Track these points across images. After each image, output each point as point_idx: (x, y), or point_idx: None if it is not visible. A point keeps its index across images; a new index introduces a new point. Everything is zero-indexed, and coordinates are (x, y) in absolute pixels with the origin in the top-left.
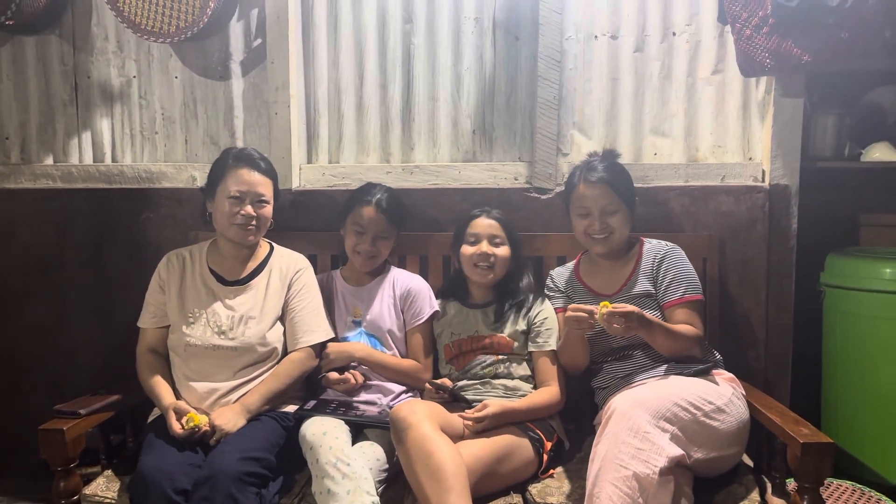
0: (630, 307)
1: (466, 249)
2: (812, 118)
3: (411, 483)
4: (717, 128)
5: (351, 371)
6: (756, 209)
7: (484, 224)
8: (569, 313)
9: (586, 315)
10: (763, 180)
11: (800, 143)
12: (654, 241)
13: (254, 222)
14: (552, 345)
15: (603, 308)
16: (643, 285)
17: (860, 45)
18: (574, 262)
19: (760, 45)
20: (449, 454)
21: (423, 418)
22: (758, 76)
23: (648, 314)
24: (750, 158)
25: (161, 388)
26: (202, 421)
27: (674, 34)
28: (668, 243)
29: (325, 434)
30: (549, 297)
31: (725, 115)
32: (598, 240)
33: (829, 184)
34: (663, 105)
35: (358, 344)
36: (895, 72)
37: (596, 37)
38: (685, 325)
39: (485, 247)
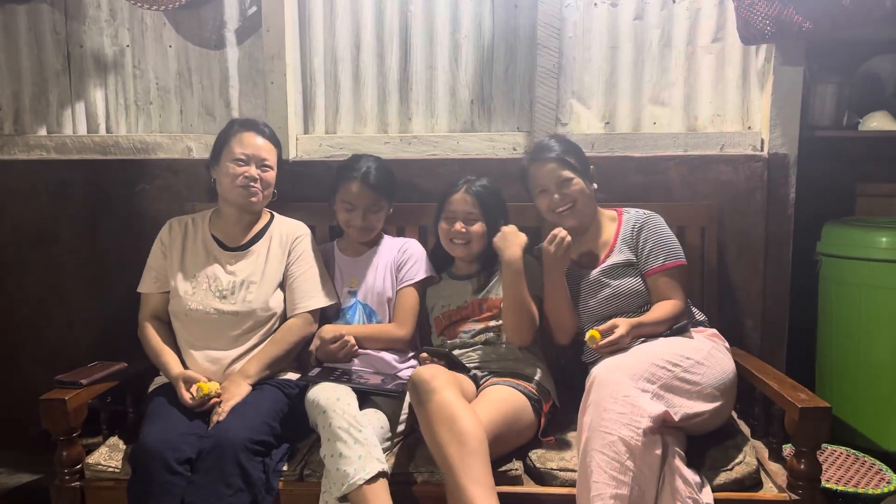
0: (616, 334)
1: (443, 226)
2: (811, 87)
3: (431, 445)
4: (716, 97)
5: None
6: (755, 178)
7: (459, 200)
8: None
9: None
10: (762, 149)
11: (799, 112)
12: (633, 210)
13: (258, 184)
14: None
15: (592, 343)
16: (624, 254)
17: (861, 13)
18: None
19: (761, 12)
20: (473, 421)
21: (446, 384)
22: (758, 44)
23: (631, 319)
24: (749, 127)
25: (168, 356)
26: (212, 388)
27: (673, 1)
28: (646, 211)
29: (338, 399)
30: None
31: (725, 84)
32: (564, 214)
33: (827, 153)
34: (663, 73)
35: (325, 326)
36: (895, 41)
37: (595, 4)
38: (666, 305)
39: (458, 225)
